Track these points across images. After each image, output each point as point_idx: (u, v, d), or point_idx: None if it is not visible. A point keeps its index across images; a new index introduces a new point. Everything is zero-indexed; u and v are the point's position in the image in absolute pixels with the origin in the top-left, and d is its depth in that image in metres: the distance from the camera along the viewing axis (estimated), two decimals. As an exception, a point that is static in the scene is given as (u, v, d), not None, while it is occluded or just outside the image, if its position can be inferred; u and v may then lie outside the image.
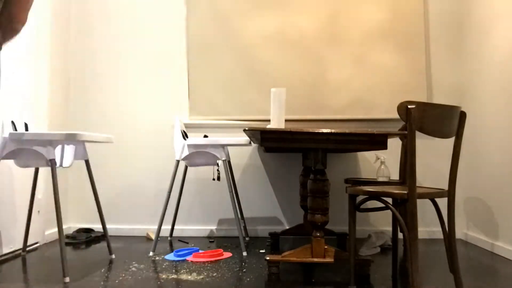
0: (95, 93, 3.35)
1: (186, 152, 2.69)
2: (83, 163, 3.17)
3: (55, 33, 3.11)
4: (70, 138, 2.28)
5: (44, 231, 2.93)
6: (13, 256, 2.55)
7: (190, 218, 3.28)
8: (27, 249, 2.70)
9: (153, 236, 3.11)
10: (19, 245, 2.63)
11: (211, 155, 2.71)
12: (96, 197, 2.55)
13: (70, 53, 3.37)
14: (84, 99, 3.35)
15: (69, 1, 3.35)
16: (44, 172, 2.90)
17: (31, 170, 2.71)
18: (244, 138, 2.69)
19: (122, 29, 3.35)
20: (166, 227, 3.24)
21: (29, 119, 2.70)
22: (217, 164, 2.82)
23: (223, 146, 2.71)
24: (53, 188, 2.16)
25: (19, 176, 2.65)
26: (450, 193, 1.82)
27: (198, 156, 2.76)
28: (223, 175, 3.24)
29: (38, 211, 2.84)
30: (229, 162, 3.12)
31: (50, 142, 2.17)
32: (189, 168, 3.29)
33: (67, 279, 2.07)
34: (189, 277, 2.13)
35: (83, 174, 3.22)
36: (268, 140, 1.96)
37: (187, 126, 3.27)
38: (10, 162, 2.53)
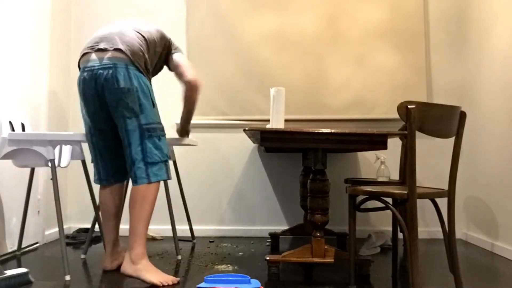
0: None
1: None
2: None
3: (55, 32, 3.11)
4: (70, 139, 2.28)
5: (44, 231, 2.93)
6: (13, 256, 2.55)
7: (190, 218, 3.28)
8: (27, 249, 2.70)
9: (153, 236, 3.11)
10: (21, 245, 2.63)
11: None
12: (92, 197, 2.55)
13: (70, 53, 3.37)
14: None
15: (69, 1, 3.35)
16: (44, 172, 2.90)
17: (36, 170, 2.70)
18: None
19: (122, 29, 3.35)
20: (166, 227, 3.23)
21: (28, 119, 2.70)
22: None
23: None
24: (53, 188, 2.16)
25: (19, 176, 2.65)
26: (450, 193, 1.82)
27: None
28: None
29: (38, 211, 2.84)
30: (174, 162, 2.87)
31: (50, 142, 2.17)
32: (187, 167, 3.29)
33: (68, 277, 2.07)
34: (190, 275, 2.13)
35: (83, 174, 3.22)
36: (268, 140, 1.96)
37: (187, 126, 3.26)
38: (9, 162, 2.52)
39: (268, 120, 2.39)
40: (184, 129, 2.48)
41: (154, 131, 2.05)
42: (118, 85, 1.97)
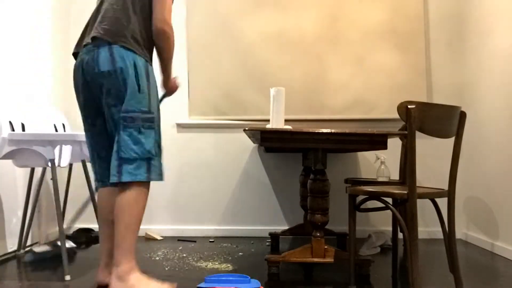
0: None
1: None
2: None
3: (55, 32, 3.11)
4: (70, 139, 2.28)
5: (44, 231, 2.93)
6: (13, 256, 2.55)
7: (190, 218, 3.28)
8: (27, 249, 2.70)
9: (153, 236, 3.11)
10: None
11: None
12: (92, 197, 2.55)
13: (70, 53, 3.37)
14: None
15: (70, 2, 3.35)
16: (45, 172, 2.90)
17: (35, 170, 2.70)
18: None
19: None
20: (166, 227, 3.24)
21: (28, 119, 2.70)
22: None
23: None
24: (53, 188, 2.16)
25: (19, 176, 2.65)
26: (450, 193, 1.82)
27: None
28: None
29: (39, 211, 2.84)
30: (83, 161, 2.58)
31: (50, 142, 2.17)
32: (187, 167, 3.29)
33: (68, 277, 2.07)
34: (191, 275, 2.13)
35: (83, 174, 3.22)
36: (268, 140, 1.96)
37: (186, 126, 3.27)
38: (9, 162, 2.52)
39: (268, 120, 2.39)
40: (165, 81, 2.04)
41: (132, 120, 1.73)
42: (99, 68, 1.73)
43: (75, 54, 1.91)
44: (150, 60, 1.87)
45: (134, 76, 1.74)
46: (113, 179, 1.73)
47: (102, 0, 1.90)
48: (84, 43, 1.83)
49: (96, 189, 1.95)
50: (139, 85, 1.74)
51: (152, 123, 1.78)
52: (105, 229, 1.90)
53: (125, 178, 1.72)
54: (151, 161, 1.76)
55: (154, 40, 1.84)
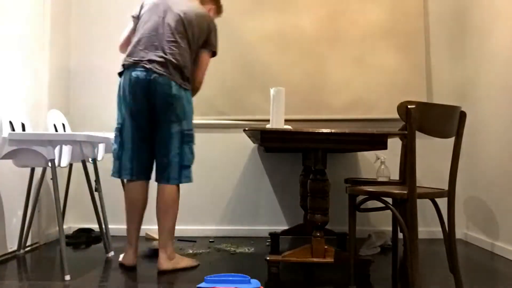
0: (95, 92, 3.35)
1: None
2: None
3: (55, 32, 3.11)
4: (70, 139, 2.28)
5: (44, 231, 2.93)
6: (13, 256, 2.55)
7: (190, 218, 3.28)
8: (26, 249, 2.70)
9: (153, 236, 3.11)
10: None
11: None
12: (92, 196, 2.55)
13: (71, 53, 3.37)
14: (84, 98, 3.35)
15: (70, 2, 3.35)
16: (45, 172, 2.90)
17: (35, 170, 2.70)
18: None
19: (122, 29, 3.34)
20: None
21: (28, 119, 2.70)
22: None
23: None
24: (53, 188, 2.16)
25: (19, 176, 2.65)
26: (450, 193, 1.82)
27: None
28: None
29: (39, 211, 2.84)
30: (83, 161, 2.57)
31: (50, 142, 2.17)
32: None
33: (68, 277, 2.07)
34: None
35: (83, 174, 3.22)
36: (268, 140, 1.96)
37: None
38: (9, 162, 2.52)
39: (268, 120, 2.39)
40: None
41: (192, 137, 2.28)
42: (171, 91, 2.18)
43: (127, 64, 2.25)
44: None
45: (191, 103, 2.30)
46: (175, 182, 2.23)
47: (162, 16, 2.28)
48: (150, 58, 2.21)
49: (127, 181, 2.30)
50: (192, 109, 2.30)
51: (193, 139, 2.32)
52: (138, 218, 2.31)
53: (184, 181, 2.25)
54: (190, 168, 2.30)
55: (192, 88, 2.36)
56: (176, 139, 2.22)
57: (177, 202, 2.25)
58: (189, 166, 2.27)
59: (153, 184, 2.29)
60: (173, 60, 2.19)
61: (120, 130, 2.29)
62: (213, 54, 2.41)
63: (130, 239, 2.29)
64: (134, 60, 2.22)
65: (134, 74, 2.19)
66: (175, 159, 2.22)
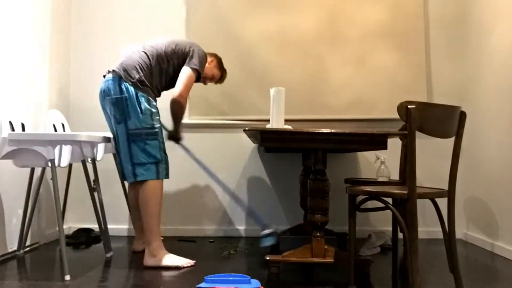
0: (95, 92, 3.35)
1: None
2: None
3: (55, 32, 3.11)
4: (70, 139, 2.28)
5: (44, 231, 2.93)
6: (13, 256, 2.55)
7: (190, 218, 3.28)
8: (26, 249, 2.70)
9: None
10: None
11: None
12: (92, 197, 2.55)
13: (70, 52, 3.37)
14: (84, 98, 3.35)
15: (70, 2, 3.35)
16: (45, 172, 2.89)
17: (35, 170, 2.71)
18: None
19: (122, 29, 3.35)
20: (165, 227, 3.24)
21: (28, 119, 2.70)
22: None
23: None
24: (53, 188, 2.16)
25: (19, 176, 2.64)
26: (450, 193, 1.82)
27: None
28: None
29: (39, 211, 2.84)
30: (83, 161, 2.53)
31: (50, 142, 2.17)
32: (187, 167, 3.29)
33: (68, 277, 2.07)
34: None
35: (83, 174, 3.22)
36: (268, 140, 1.96)
37: (186, 126, 3.26)
38: (9, 162, 2.52)
39: (268, 120, 2.39)
40: (172, 132, 2.61)
41: (138, 136, 2.30)
42: (108, 93, 2.32)
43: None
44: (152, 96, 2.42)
45: (137, 102, 2.30)
46: (130, 179, 2.33)
47: (143, 43, 2.49)
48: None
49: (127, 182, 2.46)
50: (141, 109, 2.30)
51: (153, 135, 2.33)
52: (135, 212, 2.59)
53: (140, 178, 2.30)
54: (159, 164, 2.32)
55: (171, 101, 2.42)
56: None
57: (149, 198, 2.29)
58: (143, 164, 2.30)
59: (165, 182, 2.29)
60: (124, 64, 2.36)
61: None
62: (197, 72, 2.46)
63: (135, 230, 2.69)
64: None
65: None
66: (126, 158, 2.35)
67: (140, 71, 2.34)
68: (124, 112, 2.29)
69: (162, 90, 2.54)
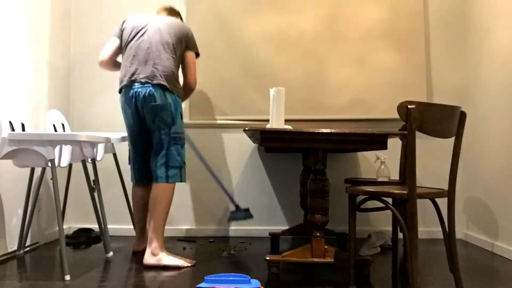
0: (96, 92, 3.35)
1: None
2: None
3: (55, 32, 3.11)
4: (70, 139, 2.28)
5: (44, 231, 2.93)
6: (13, 256, 2.55)
7: (190, 218, 3.28)
8: (26, 249, 2.70)
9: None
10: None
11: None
12: (92, 196, 2.55)
13: (70, 53, 3.37)
14: (84, 98, 3.35)
15: (70, 2, 3.35)
16: (45, 172, 2.89)
17: (35, 170, 2.71)
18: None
19: (122, 29, 3.34)
20: (172, 227, 3.23)
21: (28, 119, 2.70)
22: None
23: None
24: (53, 188, 2.16)
25: (19, 176, 2.64)
26: (450, 193, 1.82)
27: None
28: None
29: (39, 211, 2.84)
30: (83, 161, 2.53)
31: (50, 142, 2.17)
32: (187, 167, 3.29)
33: (68, 277, 2.07)
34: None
35: (83, 174, 3.22)
36: (268, 140, 1.96)
37: (186, 126, 3.26)
38: (9, 162, 2.52)
39: (268, 120, 2.39)
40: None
41: (179, 140, 2.43)
42: (155, 101, 2.35)
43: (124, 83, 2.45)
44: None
45: (179, 108, 2.44)
46: (162, 180, 2.36)
47: (146, 33, 2.48)
48: (140, 79, 2.38)
49: (134, 184, 2.60)
50: (181, 115, 2.46)
51: (184, 140, 2.49)
52: (138, 214, 2.62)
53: (171, 180, 2.37)
54: (183, 169, 2.45)
55: (185, 88, 2.56)
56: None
57: (163, 200, 2.35)
58: (176, 167, 2.40)
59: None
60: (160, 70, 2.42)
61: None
62: (197, 55, 2.60)
63: (136, 231, 2.70)
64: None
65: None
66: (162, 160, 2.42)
67: (175, 76, 2.44)
68: (169, 117, 2.38)
69: None
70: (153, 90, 2.35)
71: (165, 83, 2.37)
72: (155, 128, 2.40)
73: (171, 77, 2.40)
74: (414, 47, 3.28)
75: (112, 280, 2.07)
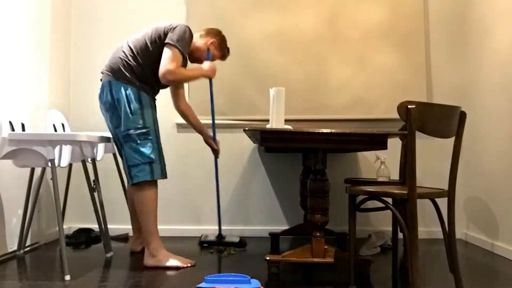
0: (95, 92, 3.35)
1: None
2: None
3: (55, 32, 3.11)
4: (70, 139, 2.28)
5: (44, 231, 2.93)
6: (13, 256, 2.55)
7: (190, 218, 3.28)
8: (27, 249, 2.70)
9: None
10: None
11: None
12: (92, 197, 2.55)
13: (70, 53, 3.37)
14: (84, 98, 3.35)
15: (70, 2, 3.35)
16: (45, 172, 2.89)
17: (35, 170, 2.70)
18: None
19: (122, 29, 3.35)
20: (166, 227, 3.24)
21: (28, 119, 2.70)
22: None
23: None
24: (53, 188, 2.16)
25: (19, 176, 2.64)
26: (450, 193, 1.82)
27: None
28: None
29: (39, 211, 2.84)
30: (83, 161, 2.53)
31: (50, 142, 2.17)
32: (187, 167, 3.29)
33: (68, 277, 2.07)
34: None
35: (83, 174, 3.22)
36: (268, 140, 1.95)
37: (186, 126, 3.26)
38: (9, 162, 2.52)
39: (268, 120, 2.39)
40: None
41: (129, 136, 2.25)
42: (103, 100, 2.33)
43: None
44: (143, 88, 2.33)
45: (127, 102, 2.26)
46: (130, 182, 2.29)
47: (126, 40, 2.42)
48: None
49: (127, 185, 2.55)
50: (130, 109, 2.26)
51: (145, 134, 2.26)
52: (133, 214, 2.58)
53: (134, 180, 2.24)
54: (152, 164, 2.26)
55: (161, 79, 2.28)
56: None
57: (143, 201, 2.26)
58: (137, 165, 2.24)
59: (162, 183, 2.29)
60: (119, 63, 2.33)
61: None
62: (175, 47, 2.26)
63: (132, 231, 2.71)
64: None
65: None
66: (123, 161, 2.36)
67: (127, 66, 2.29)
68: (115, 115, 2.31)
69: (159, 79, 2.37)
70: (102, 87, 2.33)
71: (110, 75, 2.29)
72: (111, 129, 2.41)
73: (119, 67, 2.28)
74: (414, 47, 3.28)
75: (112, 280, 2.07)
